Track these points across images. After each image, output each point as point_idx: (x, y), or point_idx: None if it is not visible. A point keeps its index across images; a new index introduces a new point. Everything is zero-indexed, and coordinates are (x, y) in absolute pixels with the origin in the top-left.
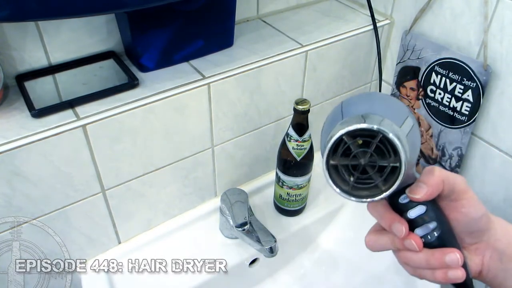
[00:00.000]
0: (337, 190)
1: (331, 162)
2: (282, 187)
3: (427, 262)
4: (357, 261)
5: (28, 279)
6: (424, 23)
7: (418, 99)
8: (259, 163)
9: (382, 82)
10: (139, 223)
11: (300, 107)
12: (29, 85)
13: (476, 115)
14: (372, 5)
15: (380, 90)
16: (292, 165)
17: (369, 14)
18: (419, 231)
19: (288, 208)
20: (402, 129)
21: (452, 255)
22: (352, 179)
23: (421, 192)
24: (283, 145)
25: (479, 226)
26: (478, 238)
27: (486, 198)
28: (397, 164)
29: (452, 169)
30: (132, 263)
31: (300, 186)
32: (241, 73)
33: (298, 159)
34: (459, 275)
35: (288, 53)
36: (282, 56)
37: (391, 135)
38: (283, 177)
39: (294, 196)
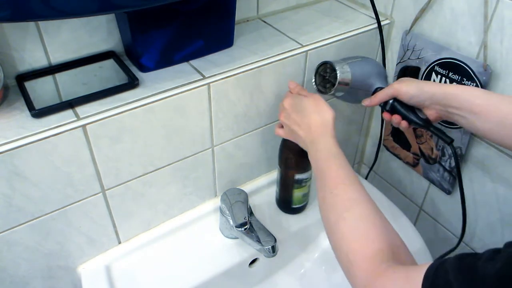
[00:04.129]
0: (314, 86)
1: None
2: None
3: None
4: None
5: (28, 279)
6: (424, 23)
7: None
8: (259, 163)
9: None
10: (139, 223)
11: None
12: (29, 85)
13: None
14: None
15: None
16: None
17: (369, 14)
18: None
19: (297, 206)
20: (350, 62)
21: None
22: (318, 82)
23: (365, 102)
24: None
25: (419, 100)
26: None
27: (486, 199)
28: (333, 72)
29: (451, 169)
30: (132, 263)
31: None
32: (241, 73)
33: None
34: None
35: (288, 53)
36: (282, 56)
37: (330, 62)
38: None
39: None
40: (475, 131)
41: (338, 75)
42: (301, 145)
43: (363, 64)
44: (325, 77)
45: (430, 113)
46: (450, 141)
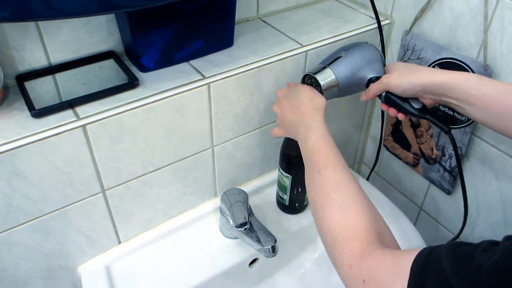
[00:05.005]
0: None
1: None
2: None
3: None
4: None
5: (28, 279)
6: (424, 23)
7: None
8: (259, 163)
9: None
10: (139, 223)
11: None
12: (29, 85)
13: None
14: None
15: None
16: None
17: (369, 14)
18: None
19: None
20: (332, 64)
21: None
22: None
23: (362, 98)
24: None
25: (412, 92)
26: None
27: (485, 198)
28: (317, 82)
29: (451, 169)
30: (132, 263)
31: None
32: (241, 73)
33: None
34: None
35: (288, 53)
36: (282, 56)
37: (310, 73)
38: None
39: None
40: (473, 119)
41: (321, 84)
42: (292, 132)
43: (349, 59)
44: (311, 85)
45: (426, 101)
46: (448, 130)
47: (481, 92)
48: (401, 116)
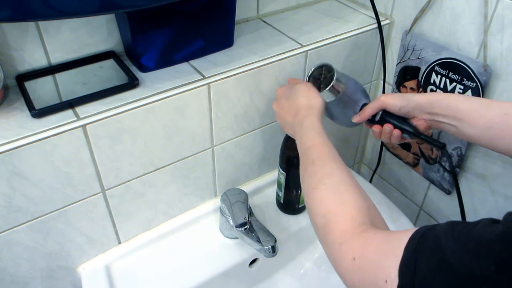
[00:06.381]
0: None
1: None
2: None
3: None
4: None
5: (28, 279)
6: (424, 23)
7: None
8: (259, 163)
9: (382, 82)
10: (139, 223)
11: None
12: (29, 85)
13: None
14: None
15: (383, 91)
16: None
17: (369, 14)
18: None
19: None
20: (343, 74)
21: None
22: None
23: (355, 119)
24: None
25: (407, 110)
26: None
27: (486, 197)
28: (331, 74)
29: (452, 169)
30: (132, 263)
31: None
32: (241, 73)
33: None
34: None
35: (288, 53)
36: (282, 56)
37: (328, 64)
38: None
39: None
40: (465, 137)
41: (334, 75)
42: (289, 131)
43: (354, 80)
44: (318, 79)
45: (420, 123)
46: (442, 146)
47: (469, 107)
48: (396, 133)
